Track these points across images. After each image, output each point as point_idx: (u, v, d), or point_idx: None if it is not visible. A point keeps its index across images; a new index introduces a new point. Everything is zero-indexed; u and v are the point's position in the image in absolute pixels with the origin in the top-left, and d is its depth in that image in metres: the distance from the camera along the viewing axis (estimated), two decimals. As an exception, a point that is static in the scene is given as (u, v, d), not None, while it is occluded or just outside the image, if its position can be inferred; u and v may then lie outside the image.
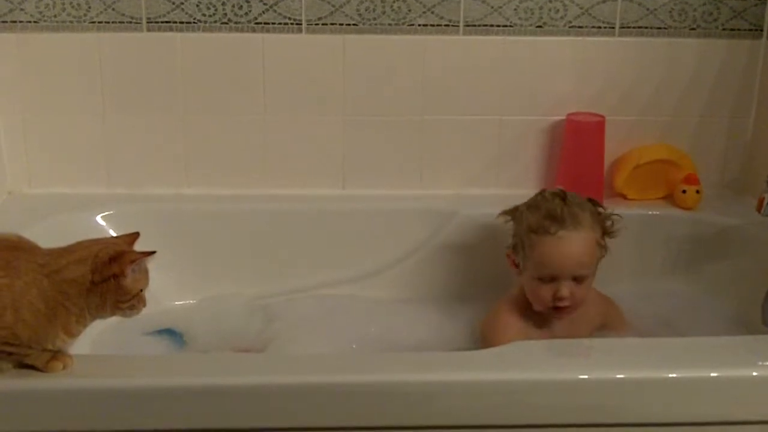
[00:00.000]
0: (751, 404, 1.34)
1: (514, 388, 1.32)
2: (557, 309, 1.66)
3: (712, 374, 1.33)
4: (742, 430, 1.34)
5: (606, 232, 1.72)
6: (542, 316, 1.71)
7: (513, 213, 1.76)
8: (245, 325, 1.86)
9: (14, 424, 1.28)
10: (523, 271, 1.70)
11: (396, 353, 1.73)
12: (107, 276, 1.25)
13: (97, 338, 1.63)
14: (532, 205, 1.73)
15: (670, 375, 1.32)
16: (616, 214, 1.75)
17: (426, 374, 1.33)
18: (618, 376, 1.33)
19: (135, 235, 1.34)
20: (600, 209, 1.74)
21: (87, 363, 1.31)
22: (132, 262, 1.25)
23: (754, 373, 1.33)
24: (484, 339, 1.73)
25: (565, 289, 1.63)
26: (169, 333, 1.84)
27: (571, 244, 1.65)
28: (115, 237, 1.37)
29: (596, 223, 1.70)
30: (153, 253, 1.29)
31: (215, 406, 1.29)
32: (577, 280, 1.65)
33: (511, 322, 1.71)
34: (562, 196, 1.71)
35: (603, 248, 1.71)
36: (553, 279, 1.65)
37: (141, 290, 1.29)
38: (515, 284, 1.77)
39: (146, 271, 1.31)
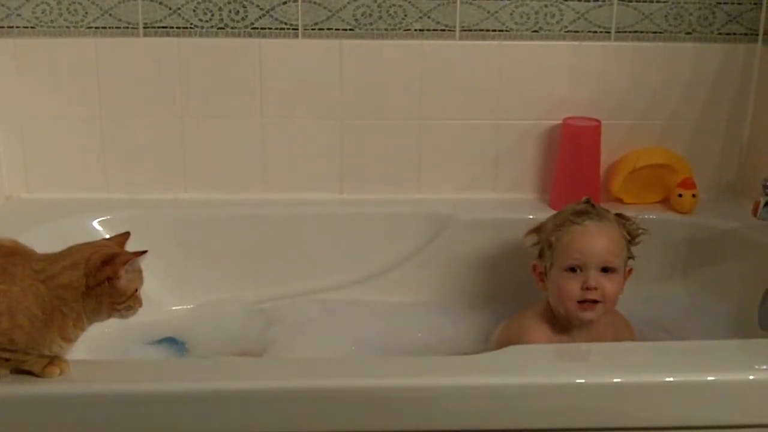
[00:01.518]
0: (749, 408, 1.34)
1: (513, 393, 1.32)
2: (585, 306, 1.64)
3: (710, 378, 1.33)
4: (739, 433, 1.35)
5: (631, 237, 1.72)
6: (567, 326, 1.69)
7: (538, 228, 1.76)
8: (244, 329, 1.86)
9: (13, 431, 1.28)
10: (550, 272, 1.69)
11: (394, 357, 1.73)
12: (101, 279, 1.25)
13: (97, 348, 1.63)
14: (556, 213, 1.75)
15: (668, 379, 1.32)
16: (643, 228, 1.74)
17: (425, 378, 1.33)
18: (616, 380, 1.33)
19: (125, 235, 1.35)
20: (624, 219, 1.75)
21: (85, 368, 1.31)
22: (124, 263, 1.25)
23: (752, 377, 1.33)
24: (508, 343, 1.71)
25: (593, 279, 1.63)
26: (171, 342, 1.83)
27: (598, 231, 1.66)
28: (107, 239, 1.37)
29: (620, 225, 1.71)
30: (144, 252, 1.29)
31: (214, 410, 1.29)
32: (606, 272, 1.65)
33: (540, 327, 1.70)
34: (587, 200, 1.74)
35: (629, 249, 1.71)
36: (581, 269, 1.64)
37: (136, 290, 1.30)
38: (539, 300, 1.76)
39: (140, 271, 1.31)
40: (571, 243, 1.66)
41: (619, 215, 1.74)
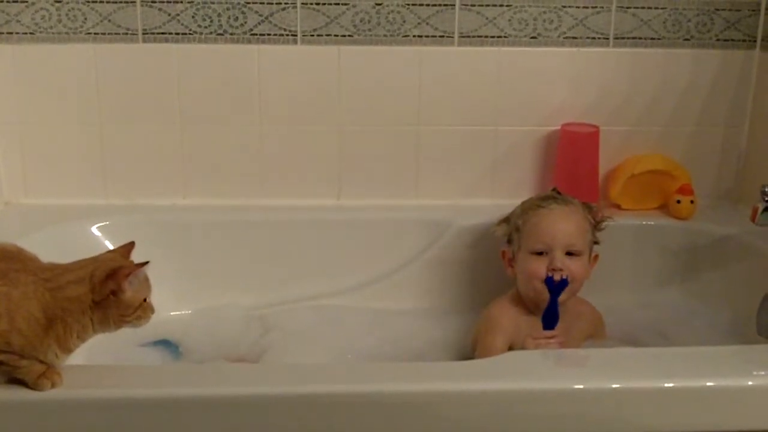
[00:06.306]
0: (747, 414, 1.34)
1: (510, 398, 1.32)
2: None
3: (708, 384, 1.33)
4: (737, 439, 1.35)
5: (595, 222, 1.77)
6: (535, 310, 1.72)
7: (506, 218, 1.82)
8: (241, 335, 1.86)
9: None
10: (518, 255, 1.74)
11: (391, 363, 1.73)
12: (106, 294, 1.25)
13: (91, 350, 1.62)
14: (524, 201, 1.81)
15: (666, 385, 1.32)
16: (608, 216, 1.81)
17: (421, 384, 1.32)
18: (614, 385, 1.33)
19: (130, 246, 1.35)
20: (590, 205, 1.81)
21: (80, 373, 1.31)
22: (127, 276, 1.26)
23: (750, 383, 1.33)
24: (478, 331, 1.77)
25: (558, 260, 1.67)
26: (165, 344, 1.83)
27: (563, 215, 1.72)
28: (111, 251, 1.37)
29: (586, 210, 1.77)
30: (146, 263, 1.29)
31: (209, 416, 1.28)
32: (570, 255, 1.69)
33: (506, 306, 1.75)
34: (553, 189, 1.82)
35: (594, 233, 1.76)
36: (546, 252, 1.69)
37: (145, 300, 1.30)
38: (510, 287, 1.79)
39: (146, 280, 1.31)
40: (537, 225, 1.71)
41: (584, 203, 1.79)
